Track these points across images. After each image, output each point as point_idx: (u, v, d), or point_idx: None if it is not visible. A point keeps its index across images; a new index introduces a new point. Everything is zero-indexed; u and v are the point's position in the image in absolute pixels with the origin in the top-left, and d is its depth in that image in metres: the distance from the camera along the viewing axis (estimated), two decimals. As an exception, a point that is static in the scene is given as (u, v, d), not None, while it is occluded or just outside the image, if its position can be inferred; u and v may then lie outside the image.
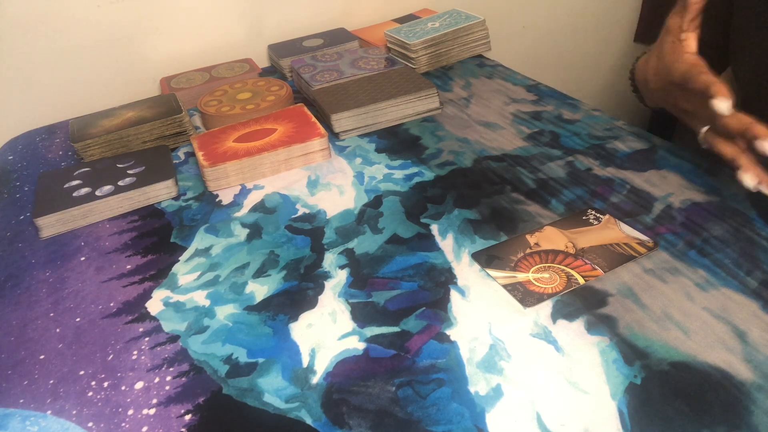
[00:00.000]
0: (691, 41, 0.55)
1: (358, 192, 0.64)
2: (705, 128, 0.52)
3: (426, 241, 0.55)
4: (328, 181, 0.66)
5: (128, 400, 0.43)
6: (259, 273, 0.53)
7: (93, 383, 0.44)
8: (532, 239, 0.53)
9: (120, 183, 0.65)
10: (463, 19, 0.93)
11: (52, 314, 0.52)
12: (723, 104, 0.47)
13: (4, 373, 0.46)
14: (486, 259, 0.52)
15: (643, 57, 0.66)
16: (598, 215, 0.55)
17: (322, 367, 0.43)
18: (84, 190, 0.65)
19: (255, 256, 0.56)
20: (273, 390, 0.42)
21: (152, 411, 0.42)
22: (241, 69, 0.93)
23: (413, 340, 0.45)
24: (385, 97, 0.76)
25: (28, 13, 0.84)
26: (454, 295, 0.49)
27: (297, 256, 0.55)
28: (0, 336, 0.50)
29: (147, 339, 0.48)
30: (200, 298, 0.51)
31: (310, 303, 0.50)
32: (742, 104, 0.61)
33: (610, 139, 0.68)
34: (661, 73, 0.57)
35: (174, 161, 0.73)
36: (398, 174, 0.66)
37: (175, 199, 0.66)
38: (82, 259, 0.58)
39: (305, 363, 0.44)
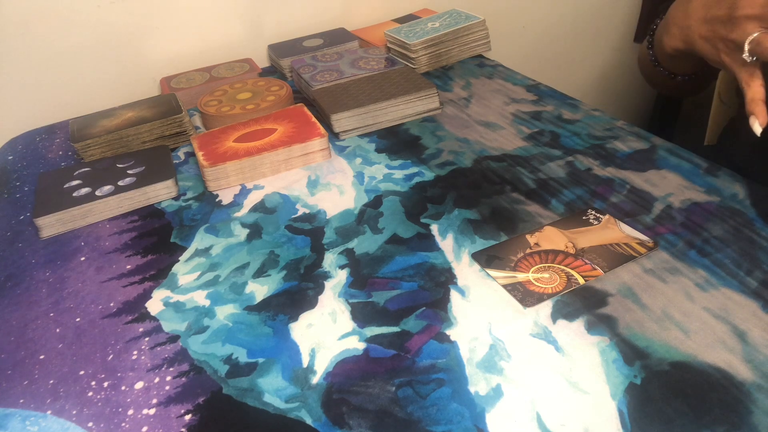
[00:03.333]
0: None
1: (358, 192, 0.64)
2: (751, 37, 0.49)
3: (426, 241, 0.55)
4: (328, 181, 0.66)
5: (128, 400, 0.43)
6: (259, 273, 0.53)
7: (93, 383, 0.44)
8: (532, 239, 0.53)
9: (120, 183, 0.65)
10: (463, 19, 0.93)
11: (52, 314, 0.52)
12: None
13: (4, 373, 0.46)
14: (486, 259, 0.52)
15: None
16: (598, 215, 0.55)
17: (322, 367, 0.43)
18: (84, 190, 0.65)
19: (255, 256, 0.56)
20: (273, 390, 0.42)
21: (152, 411, 0.42)
22: (241, 69, 0.93)
23: (413, 340, 0.45)
24: (385, 97, 0.76)
25: (28, 13, 0.84)
26: (454, 295, 0.49)
27: (297, 256, 0.55)
28: (0, 336, 0.50)
29: (147, 339, 0.48)
30: (200, 298, 0.51)
31: (310, 303, 0.50)
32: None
33: (610, 139, 0.68)
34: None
35: (174, 161, 0.73)
36: (398, 174, 0.66)
37: (175, 199, 0.66)
38: (82, 259, 0.58)
39: (305, 363, 0.44)
